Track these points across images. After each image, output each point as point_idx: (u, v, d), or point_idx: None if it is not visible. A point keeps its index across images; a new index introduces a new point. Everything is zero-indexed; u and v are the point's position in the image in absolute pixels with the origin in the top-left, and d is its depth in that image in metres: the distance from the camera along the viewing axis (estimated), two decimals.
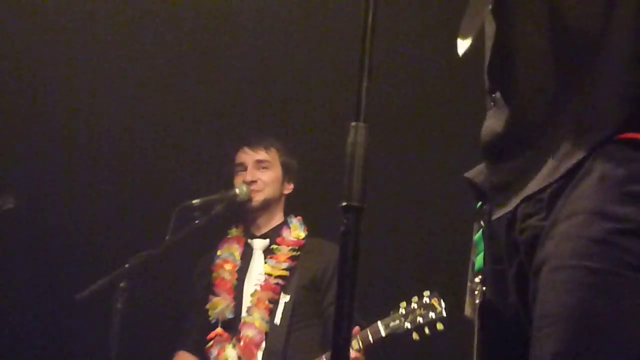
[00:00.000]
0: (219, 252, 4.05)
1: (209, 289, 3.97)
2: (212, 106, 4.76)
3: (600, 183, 1.55)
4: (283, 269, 3.95)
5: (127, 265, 3.71)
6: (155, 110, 4.73)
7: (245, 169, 4.06)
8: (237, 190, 4.01)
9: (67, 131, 4.71)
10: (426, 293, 3.76)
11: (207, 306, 3.92)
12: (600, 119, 1.59)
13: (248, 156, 4.08)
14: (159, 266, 4.07)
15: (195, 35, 4.64)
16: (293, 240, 4.03)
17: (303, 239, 4.04)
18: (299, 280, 3.94)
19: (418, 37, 4.42)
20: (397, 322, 3.71)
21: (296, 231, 4.06)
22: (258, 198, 4.03)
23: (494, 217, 1.72)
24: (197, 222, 3.89)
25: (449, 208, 4.17)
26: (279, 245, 4.02)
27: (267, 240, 4.04)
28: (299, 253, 4.00)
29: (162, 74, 4.67)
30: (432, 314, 3.71)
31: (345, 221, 1.53)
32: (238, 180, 4.05)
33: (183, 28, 4.63)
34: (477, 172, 1.78)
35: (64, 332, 4.74)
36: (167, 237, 3.76)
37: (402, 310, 3.72)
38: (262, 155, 4.08)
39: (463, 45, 1.70)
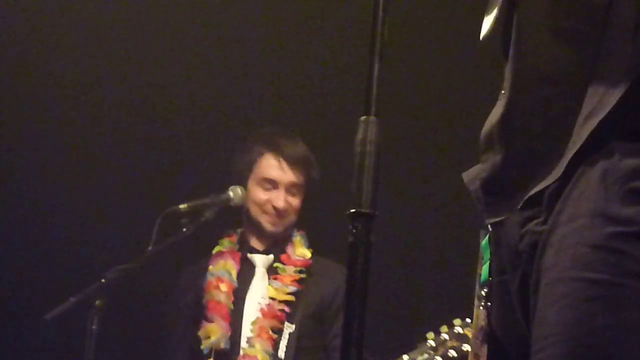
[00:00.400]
0: (211, 269, 3.97)
1: (200, 311, 3.92)
2: (201, 98, 4.74)
3: (601, 180, 1.57)
4: (288, 293, 3.89)
5: (103, 281, 3.69)
6: (135, 102, 4.72)
7: (275, 188, 3.96)
8: (230, 194, 3.99)
9: (35, 131, 4.70)
10: (457, 321, 3.64)
11: (199, 334, 3.86)
12: (603, 104, 1.59)
13: (285, 176, 3.96)
14: (140, 281, 4.06)
15: (187, 24, 4.64)
16: (300, 260, 3.97)
17: (310, 258, 4.00)
18: (304, 307, 3.90)
19: (438, 14, 4.40)
20: (426, 356, 3.60)
21: (300, 248, 4.00)
22: (286, 224, 3.98)
23: (488, 221, 1.74)
24: (184, 230, 3.87)
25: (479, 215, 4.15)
26: (284, 264, 3.97)
27: (271, 257, 3.99)
28: (305, 275, 3.95)
29: (148, 59, 4.67)
30: (466, 346, 3.60)
31: (353, 231, 1.53)
32: (261, 197, 3.94)
33: (176, 18, 4.63)
34: (474, 175, 1.79)
35: (31, 357, 4.73)
36: (149, 248, 3.75)
37: (430, 342, 3.60)
38: (298, 177, 3.97)
39: (486, 24, 1.71)
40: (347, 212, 1.54)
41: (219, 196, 3.99)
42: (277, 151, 3.97)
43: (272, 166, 3.97)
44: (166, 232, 3.81)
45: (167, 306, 4.12)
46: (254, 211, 3.97)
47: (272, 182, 3.95)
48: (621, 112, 1.58)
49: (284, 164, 3.96)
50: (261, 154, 3.98)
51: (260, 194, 3.96)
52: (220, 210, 3.97)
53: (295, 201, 3.97)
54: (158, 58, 4.67)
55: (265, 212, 3.96)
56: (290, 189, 3.96)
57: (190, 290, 4.00)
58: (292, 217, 3.99)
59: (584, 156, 1.59)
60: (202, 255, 4.10)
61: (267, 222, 3.97)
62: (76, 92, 4.69)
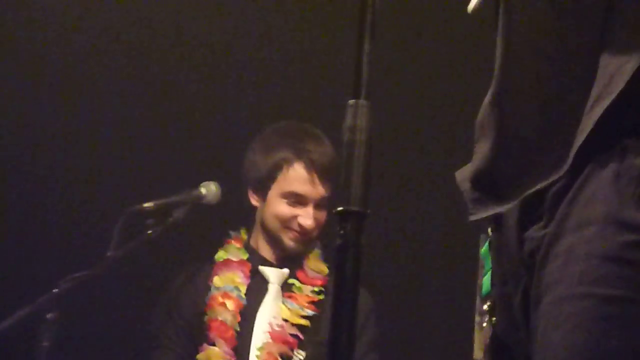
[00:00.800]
0: (216, 280, 3.92)
1: (201, 330, 3.86)
2: (174, 82, 4.74)
3: (615, 182, 1.56)
4: (304, 317, 3.85)
5: (55, 290, 3.69)
6: (96, 89, 4.72)
7: (303, 203, 3.90)
8: (202, 190, 3.99)
9: None
10: None
11: (198, 357, 3.82)
12: (612, 86, 1.59)
13: (315, 191, 3.90)
14: (99, 291, 4.05)
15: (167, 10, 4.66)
16: (319, 277, 3.93)
17: (327, 275, 3.94)
18: (318, 333, 3.84)
19: None
20: None
21: (317, 263, 3.97)
22: (309, 241, 3.96)
23: (473, 217, 1.75)
24: (149, 232, 3.86)
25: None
26: (301, 282, 3.93)
27: (286, 271, 3.95)
28: (322, 297, 3.90)
29: (123, 53, 4.68)
30: None
31: (341, 232, 1.52)
32: (286, 212, 3.90)
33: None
34: (467, 174, 1.79)
35: None
36: (109, 253, 3.74)
37: None
38: (327, 190, 3.90)
39: None
40: (335, 211, 1.54)
41: (189, 193, 3.99)
42: (308, 160, 3.91)
43: (302, 179, 3.91)
44: (129, 235, 3.80)
45: (158, 318, 4.03)
46: (274, 225, 3.94)
47: (300, 197, 3.90)
48: (634, 94, 1.57)
49: (315, 177, 3.91)
50: (289, 162, 3.92)
51: (284, 209, 3.92)
52: (191, 210, 3.97)
53: (322, 215, 3.91)
54: (128, 50, 4.68)
55: (288, 228, 3.92)
56: (319, 202, 3.91)
57: (191, 302, 3.95)
58: (316, 233, 3.94)
59: (592, 151, 1.58)
60: (182, 258, 4.09)
61: (289, 240, 3.93)
62: (25, 84, 4.70)
